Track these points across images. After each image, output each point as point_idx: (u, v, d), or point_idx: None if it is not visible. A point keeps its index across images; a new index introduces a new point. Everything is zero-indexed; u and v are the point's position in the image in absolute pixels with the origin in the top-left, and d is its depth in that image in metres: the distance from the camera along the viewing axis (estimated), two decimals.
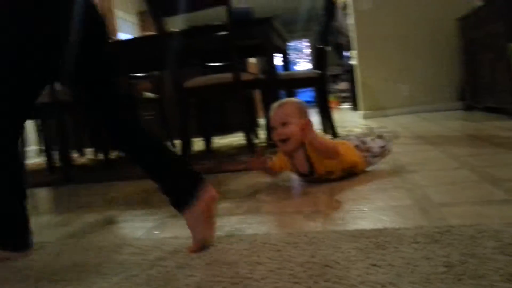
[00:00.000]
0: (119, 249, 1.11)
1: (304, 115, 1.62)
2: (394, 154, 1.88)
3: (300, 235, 1.03)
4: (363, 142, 1.73)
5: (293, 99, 1.77)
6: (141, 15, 8.36)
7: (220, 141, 4.06)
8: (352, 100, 7.17)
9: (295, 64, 14.69)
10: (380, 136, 1.79)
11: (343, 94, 10.67)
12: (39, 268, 1.04)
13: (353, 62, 5.57)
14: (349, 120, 5.14)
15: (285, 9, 9.08)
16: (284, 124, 1.60)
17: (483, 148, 2.00)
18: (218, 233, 1.15)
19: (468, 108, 4.12)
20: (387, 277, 0.76)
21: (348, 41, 6.57)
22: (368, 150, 1.72)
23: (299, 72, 3.26)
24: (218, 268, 0.90)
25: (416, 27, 4.64)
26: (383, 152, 1.75)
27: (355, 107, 6.59)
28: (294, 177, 1.79)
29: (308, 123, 1.55)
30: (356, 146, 1.71)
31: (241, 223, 1.22)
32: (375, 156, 1.73)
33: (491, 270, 0.74)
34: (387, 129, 2.11)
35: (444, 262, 0.79)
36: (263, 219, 1.25)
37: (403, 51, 4.71)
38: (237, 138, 4.08)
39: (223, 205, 1.47)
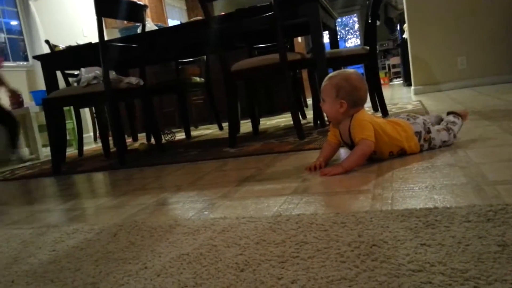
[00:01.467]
0: (171, 229, 1.16)
1: (341, 96, 1.55)
2: None
3: (348, 215, 1.03)
4: (428, 131, 1.62)
5: (342, 73, 1.62)
6: (189, 0, 8.46)
7: (268, 122, 4.07)
8: (404, 75, 6.93)
9: (345, 40, 14.37)
10: (448, 129, 1.67)
11: (394, 70, 10.36)
12: (99, 248, 1.10)
13: (405, 35, 5.37)
14: (400, 96, 4.98)
15: None
16: (323, 99, 1.63)
17: None
18: (265, 213, 1.17)
19: None
20: (437, 256, 0.74)
21: (400, 15, 6.33)
22: (428, 140, 1.63)
23: (346, 49, 3.18)
24: (265, 247, 0.92)
25: None
26: (443, 145, 1.66)
27: (406, 83, 6.38)
28: (342, 157, 1.77)
29: (343, 106, 1.54)
30: (417, 133, 1.61)
31: (288, 203, 1.23)
32: (432, 148, 1.65)
33: None
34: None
35: (498, 241, 0.76)
36: (310, 199, 1.25)
37: (459, 21, 4.48)
38: (284, 119, 4.07)
39: (270, 186, 1.49)
